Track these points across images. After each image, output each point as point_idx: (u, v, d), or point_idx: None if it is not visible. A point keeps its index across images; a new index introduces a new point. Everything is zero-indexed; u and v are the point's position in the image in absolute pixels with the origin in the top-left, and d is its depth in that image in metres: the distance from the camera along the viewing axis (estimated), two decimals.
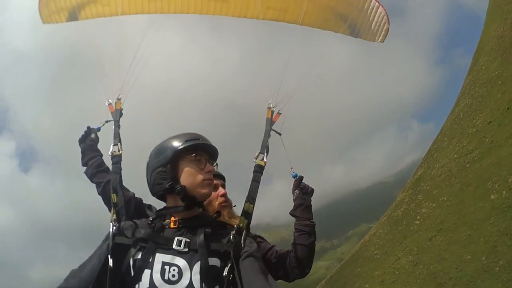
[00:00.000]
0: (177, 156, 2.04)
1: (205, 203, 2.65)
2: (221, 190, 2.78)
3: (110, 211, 2.49)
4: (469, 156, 14.87)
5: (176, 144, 2.06)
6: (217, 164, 2.18)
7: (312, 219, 2.75)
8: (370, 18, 3.61)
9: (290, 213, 2.79)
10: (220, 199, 2.72)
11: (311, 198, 2.81)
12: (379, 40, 3.77)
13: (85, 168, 2.89)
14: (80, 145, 2.97)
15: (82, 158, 2.92)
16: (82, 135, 2.99)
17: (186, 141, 2.06)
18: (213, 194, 2.71)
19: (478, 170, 13.64)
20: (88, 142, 2.95)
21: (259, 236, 2.79)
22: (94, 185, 2.85)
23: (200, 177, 2.04)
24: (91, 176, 2.84)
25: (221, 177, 2.90)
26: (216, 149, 2.19)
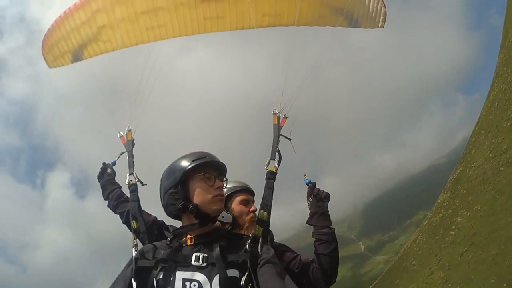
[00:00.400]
0: (187, 176, 2.12)
1: (236, 215, 2.73)
2: (252, 206, 2.80)
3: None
4: (503, 157, 14.72)
5: (184, 164, 2.14)
6: (226, 180, 2.26)
7: (331, 225, 2.67)
8: (366, 6, 3.58)
9: (307, 223, 2.74)
10: (251, 215, 2.74)
11: (327, 204, 2.73)
12: (379, 25, 3.73)
13: (107, 201, 3.04)
14: (99, 181, 3.12)
15: (103, 193, 3.07)
16: (100, 172, 3.15)
17: (193, 160, 2.14)
18: (244, 209, 2.76)
19: (511, 175, 13.49)
20: (106, 177, 3.11)
21: (284, 245, 2.77)
22: (118, 215, 2.97)
23: (210, 194, 2.11)
24: (114, 208, 2.99)
25: (252, 193, 2.91)
26: (223, 165, 2.26)
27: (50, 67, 3.94)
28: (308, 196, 2.77)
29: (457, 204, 17.22)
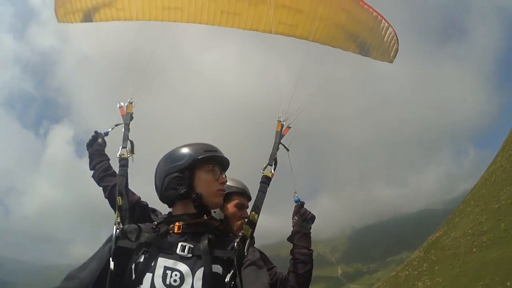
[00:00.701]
0: (195, 165, 2.08)
1: (228, 216, 2.75)
2: (245, 212, 2.80)
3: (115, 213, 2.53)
4: (480, 239, 15.13)
5: (196, 152, 2.10)
6: (225, 176, 2.28)
7: (310, 247, 2.72)
8: (380, 38, 3.64)
9: (287, 240, 2.79)
10: (242, 221, 2.74)
11: (311, 226, 2.78)
12: (388, 60, 3.80)
13: (92, 172, 2.95)
14: (87, 149, 3.03)
15: (90, 162, 2.97)
16: (90, 140, 3.05)
17: (205, 151, 2.12)
18: (238, 212, 2.78)
19: (480, 260, 13.80)
20: (96, 147, 3.01)
21: (263, 253, 2.75)
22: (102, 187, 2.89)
23: (215, 187, 2.09)
24: (99, 180, 2.90)
25: (249, 198, 2.91)
26: (228, 162, 2.25)
27: (59, 21, 3.89)
28: (294, 214, 2.81)
29: (424, 268, 17.74)
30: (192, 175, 2.07)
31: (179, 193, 2.05)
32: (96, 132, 3.07)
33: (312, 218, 2.78)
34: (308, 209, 2.80)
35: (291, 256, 2.72)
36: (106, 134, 3.09)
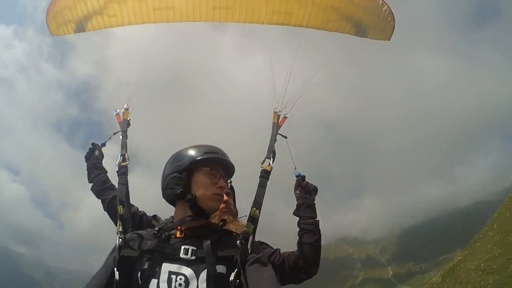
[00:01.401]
0: (194, 166, 2.08)
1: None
2: (224, 196, 2.75)
3: (116, 225, 2.52)
4: (487, 279, 15.20)
5: (195, 154, 2.10)
6: (231, 181, 2.22)
7: (316, 217, 2.73)
8: (375, 17, 3.59)
9: (293, 214, 2.80)
10: (222, 205, 2.69)
11: (314, 197, 2.79)
12: (385, 38, 3.75)
13: (91, 184, 2.96)
14: (86, 161, 3.03)
15: (88, 176, 2.99)
16: (88, 152, 3.05)
17: (205, 152, 2.10)
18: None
19: None
20: (93, 160, 3.02)
21: (264, 243, 2.78)
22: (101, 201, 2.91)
23: (211, 190, 2.07)
24: (97, 193, 2.91)
25: (231, 189, 2.91)
26: (233, 167, 2.21)
27: (52, 35, 3.88)
28: (296, 188, 2.82)
29: None
30: (190, 176, 2.07)
31: (175, 193, 2.07)
32: (93, 144, 3.07)
33: (315, 189, 2.79)
34: (310, 182, 2.81)
35: (298, 229, 2.73)
36: (104, 145, 3.09)
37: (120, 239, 2.05)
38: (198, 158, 2.07)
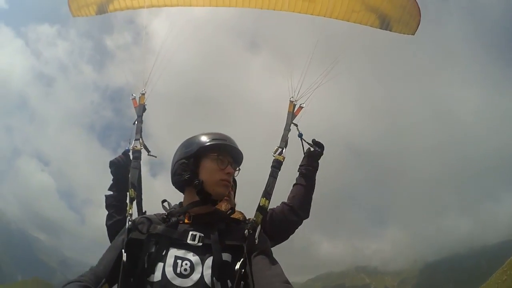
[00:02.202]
0: (201, 152, 2.10)
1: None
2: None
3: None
4: None
5: (203, 140, 2.13)
6: (239, 169, 2.23)
7: (317, 166, 2.82)
8: (401, 9, 3.50)
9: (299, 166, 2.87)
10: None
11: (322, 152, 2.86)
12: (410, 32, 3.66)
13: (110, 192, 2.85)
14: (111, 167, 2.84)
15: (113, 185, 2.85)
16: (118, 160, 2.85)
17: (213, 139, 2.13)
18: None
19: None
20: (122, 170, 2.81)
21: None
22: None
23: (218, 176, 2.09)
24: (109, 205, 2.82)
25: (233, 181, 2.90)
26: (241, 153, 2.22)
27: (74, 16, 3.87)
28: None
29: None
30: (197, 162, 2.10)
31: (183, 179, 2.10)
32: (124, 153, 2.88)
33: (322, 146, 2.86)
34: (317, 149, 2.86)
35: (298, 173, 2.83)
36: (128, 151, 2.90)
37: (129, 222, 2.08)
38: (206, 144, 2.10)
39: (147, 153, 2.77)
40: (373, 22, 3.50)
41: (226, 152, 2.14)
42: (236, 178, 3.09)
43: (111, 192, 2.84)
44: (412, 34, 3.72)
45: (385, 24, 3.56)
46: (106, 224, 2.76)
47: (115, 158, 2.84)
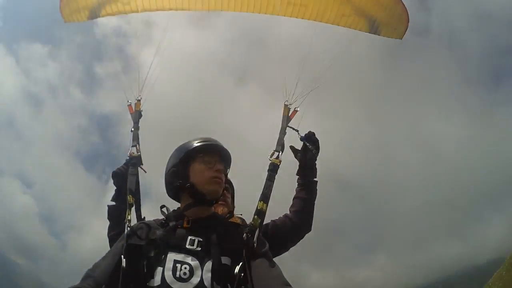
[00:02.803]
0: (189, 157, 2.16)
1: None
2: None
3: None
4: None
5: (188, 145, 2.20)
6: (228, 169, 2.31)
7: (315, 177, 2.78)
8: (389, 14, 3.57)
9: (296, 174, 2.84)
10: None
11: (317, 157, 2.81)
12: (398, 36, 3.74)
13: (112, 203, 2.83)
14: (114, 178, 2.82)
15: (116, 195, 2.82)
16: (120, 170, 2.83)
17: (197, 142, 2.19)
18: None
19: None
20: (122, 182, 2.75)
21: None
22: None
23: (207, 174, 2.13)
24: (111, 215, 2.80)
25: (229, 184, 2.95)
26: (227, 152, 2.27)
27: (65, 21, 3.87)
28: (297, 152, 2.84)
29: None
30: (186, 167, 2.15)
31: (174, 186, 2.17)
32: (126, 163, 2.85)
33: (318, 149, 2.80)
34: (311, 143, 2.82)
35: (297, 186, 2.79)
36: (129, 161, 2.83)
37: (128, 228, 2.11)
38: (191, 149, 2.17)
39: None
40: (362, 26, 3.56)
41: (212, 152, 2.20)
42: (232, 181, 3.07)
43: (114, 203, 2.82)
44: (400, 39, 3.80)
45: (374, 28, 3.63)
46: (108, 235, 2.76)
47: (117, 169, 2.84)
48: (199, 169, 2.15)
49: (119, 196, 2.79)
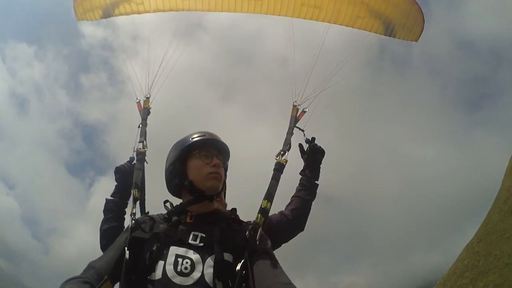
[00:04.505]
0: (185, 154, 2.16)
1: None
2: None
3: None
4: None
5: (184, 142, 2.19)
6: (227, 162, 2.30)
7: (317, 179, 2.81)
8: (405, 15, 3.50)
9: (299, 174, 2.86)
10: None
11: (321, 160, 2.84)
12: (413, 38, 3.67)
13: (111, 198, 2.83)
14: (117, 173, 2.84)
15: (116, 191, 2.85)
16: (124, 167, 2.86)
17: (192, 138, 2.18)
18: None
19: None
20: (125, 179, 2.81)
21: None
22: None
23: (205, 170, 2.12)
24: (107, 209, 2.79)
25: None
26: (224, 145, 2.26)
27: (79, 20, 3.89)
28: (304, 152, 2.86)
29: None
30: (184, 165, 2.15)
31: (173, 184, 2.18)
32: (130, 161, 2.91)
33: (323, 152, 2.83)
34: (317, 144, 2.85)
35: (298, 185, 2.81)
36: (133, 159, 2.92)
37: (132, 221, 2.12)
38: (186, 145, 2.16)
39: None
40: (378, 28, 3.50)
41: (209, 147, 2.18)
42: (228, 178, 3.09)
43: (113, 198, 2.84)
44: (415, 41, 3.73)
45: (389, 30, 3.56)
46: (101, 229, 2.73)
47: (121, 165, 2.88)
48: (196, 166, 2.13)
49: (119, 193, 2.83)
